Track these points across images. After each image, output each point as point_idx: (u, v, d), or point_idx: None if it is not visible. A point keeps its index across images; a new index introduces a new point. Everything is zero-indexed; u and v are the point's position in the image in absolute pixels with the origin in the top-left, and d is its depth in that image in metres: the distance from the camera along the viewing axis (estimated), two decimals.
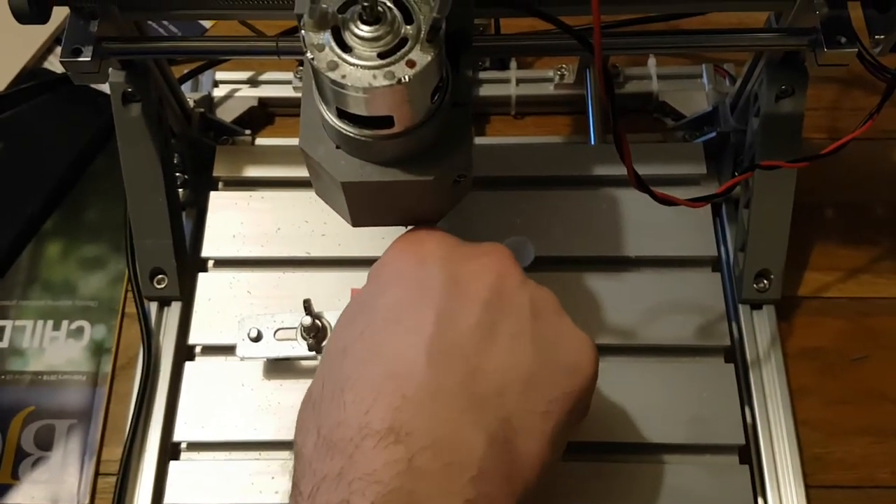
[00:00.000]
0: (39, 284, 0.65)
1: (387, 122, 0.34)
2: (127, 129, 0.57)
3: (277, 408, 0.51)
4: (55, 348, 0.63)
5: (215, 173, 0.59)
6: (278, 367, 0.52)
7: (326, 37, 0.33)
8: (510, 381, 0.37)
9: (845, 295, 0.64)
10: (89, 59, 0.49)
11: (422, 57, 0.33)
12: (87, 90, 0.73)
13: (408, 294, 0.38)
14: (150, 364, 0.58)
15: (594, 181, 0.58)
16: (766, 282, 0.59)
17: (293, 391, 0.52)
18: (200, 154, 0.63)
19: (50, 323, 0.64)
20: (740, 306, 0.60)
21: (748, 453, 0.54)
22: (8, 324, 0.64)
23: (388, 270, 0.41)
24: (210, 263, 0.57)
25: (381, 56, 0.33)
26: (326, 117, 0.36)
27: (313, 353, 0.49)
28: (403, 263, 0.40)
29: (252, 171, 0.59)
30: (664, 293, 0.54)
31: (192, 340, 0.54)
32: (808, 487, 0.55)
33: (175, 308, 0.60)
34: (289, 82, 0.69)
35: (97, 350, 0.63)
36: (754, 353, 0.59)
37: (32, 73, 0.73)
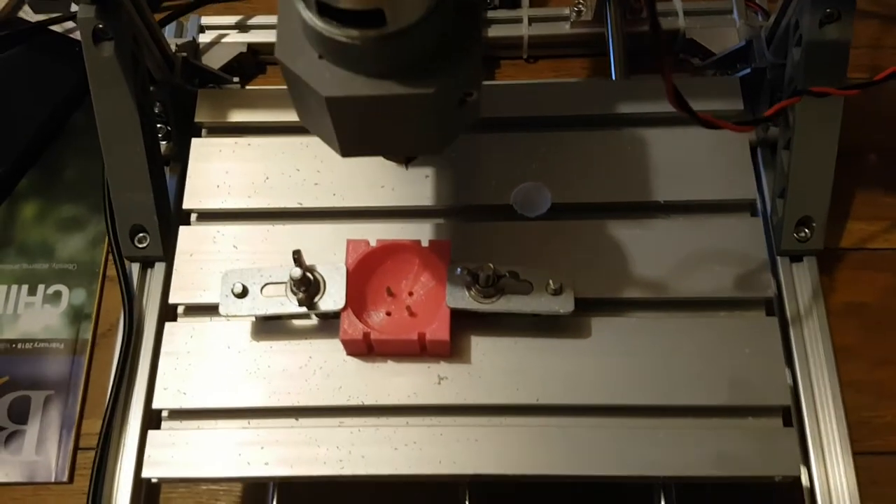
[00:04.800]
0: (14, 247, 0.61)
1: (377, 17, 0.29)
2: (99, 70, 0.52)
3: (267, 372, 0.46)
4: (31, 314, 0.58)
5: (197, 119, 0.54)
6: (267, 328, 0.47)
7: None
8: None
9: (892, 246, 0.59)
10: None
11: None
12: (64, 40, 0.68)
13: None
14: (132, 329, 0.53)
15: (617, 120, 0.53)
16: (807, 231, 0.54)
17: (284, 354, 0.47)
18: (184, 104, 0.58)
19: (25, 288, 0.59)
20: (779, 259, 0.55)
21: (790, 418, 0.49)
22: None
23: None
24: (193, 217, 0.52)
25: None
26: (306, 18, 0.30)
27: (304, 308, 0.44)
28: None
29: (238, 116, 0.54)
30: (697, 241, 0.49)
31: (172, 300, 0.49)
32: (855, 454, 0.51)
33: (159, 269, 0.56)
34: None
35: (76, 316, 0.58)
36: (795, 309, 0.54)
37: (6, 23, 0.68)
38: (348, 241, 0.47)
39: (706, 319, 0.47)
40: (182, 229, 0.51)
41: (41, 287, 0.59)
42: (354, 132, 0.34)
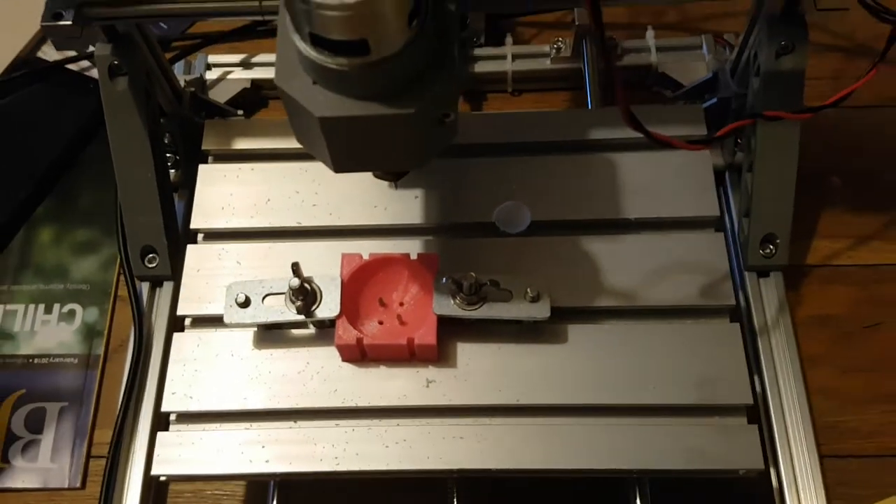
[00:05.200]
0: (31, 269, 0.65)
1: (362, 47, 0.33)
2: (114, 103, 0.56)
3: (268, 377, 0.50)
4: (47, 332, 0.62)
5: (204, 147, 0.58)
6: (268, 337, 0.51)
7: None
8: None
9: (856, 262, 0.62)
10: (70, 23, 0.48)
11: None
12: (79, 78, 0.73)
13: None
14: (142, 344, 0.56)
15: (590, 146, 0.57)
16: (772, 247, 0.57)
17: (284, 360, 0.50)
18: (192, 135, 0.62)
19: (42, 307, 0.63)
20: (746, 274, 0.58)
21: (758, 420, 0.52)
22: None
23: None
24: (200, 236, 0.56)
25: None
26: (301, 48, 0.34)
27: (302, 317, 0.48)
28: None
29: (242, 144, 0.58)
30: (666, 255, 0.52)
31: (180, 312, 0.52)
32: (822, 457, 0.53)
33: (167, 288, 0.59)
34: None
35: (89, 333, 0.62)
36: (762, 321, 0.57)
37: (25, 62, 0.73)
38: (343, 255, 0.50)
39: (674, 326, 0.51)
40: (189, 247, 0.54)
41: (56, 306, 0.63)
42: (345, 149, 0.38)
